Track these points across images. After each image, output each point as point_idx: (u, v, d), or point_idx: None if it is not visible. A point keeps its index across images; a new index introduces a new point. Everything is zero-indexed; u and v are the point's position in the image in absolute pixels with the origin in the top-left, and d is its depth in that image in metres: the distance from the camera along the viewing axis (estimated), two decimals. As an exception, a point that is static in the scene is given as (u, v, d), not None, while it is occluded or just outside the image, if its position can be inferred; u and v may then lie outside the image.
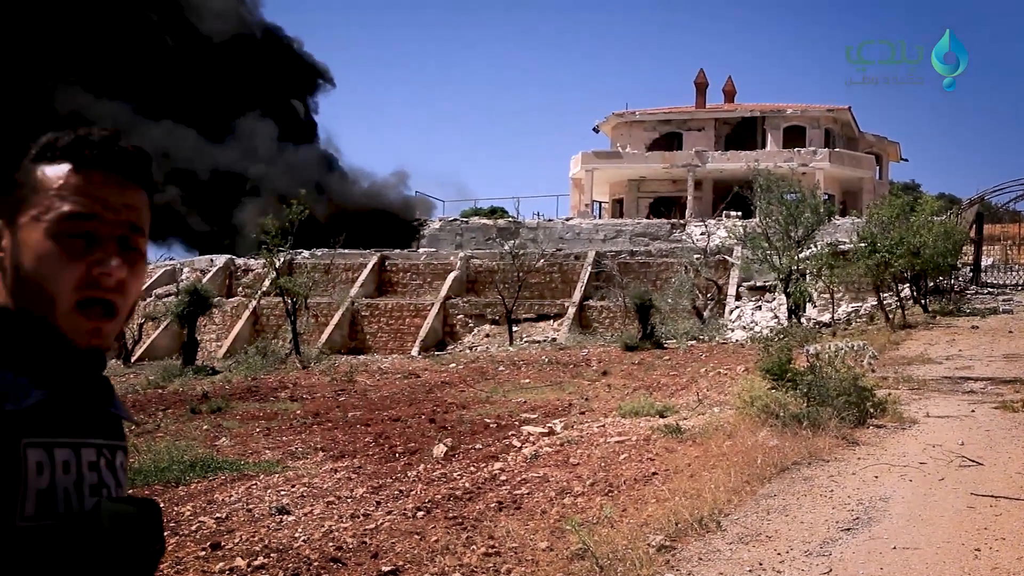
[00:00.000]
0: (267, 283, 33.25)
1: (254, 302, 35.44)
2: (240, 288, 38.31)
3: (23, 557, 1.37)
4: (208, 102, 50.76)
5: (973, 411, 13.35)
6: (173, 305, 30.61)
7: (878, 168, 57.19)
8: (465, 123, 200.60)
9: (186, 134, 48.63)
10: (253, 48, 55.53)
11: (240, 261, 39.45)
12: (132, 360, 30.59)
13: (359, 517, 8.62)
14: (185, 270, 40.07)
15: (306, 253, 36.49)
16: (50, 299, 1.47)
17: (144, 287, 30.15)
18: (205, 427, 14.83)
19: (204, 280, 35.93)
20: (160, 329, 33.89)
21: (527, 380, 19.79)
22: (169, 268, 40.74)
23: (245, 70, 53.12)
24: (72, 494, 1.46)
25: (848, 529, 7.49)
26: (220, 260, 39.81)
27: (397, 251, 40.42)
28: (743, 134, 55.89)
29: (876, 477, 9.33)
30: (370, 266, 38.00)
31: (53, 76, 43.96)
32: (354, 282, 37.06)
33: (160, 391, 20.09)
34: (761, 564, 6.60)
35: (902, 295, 28.15)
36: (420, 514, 8.61)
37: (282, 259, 29.05)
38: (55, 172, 1.50)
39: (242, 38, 55.01)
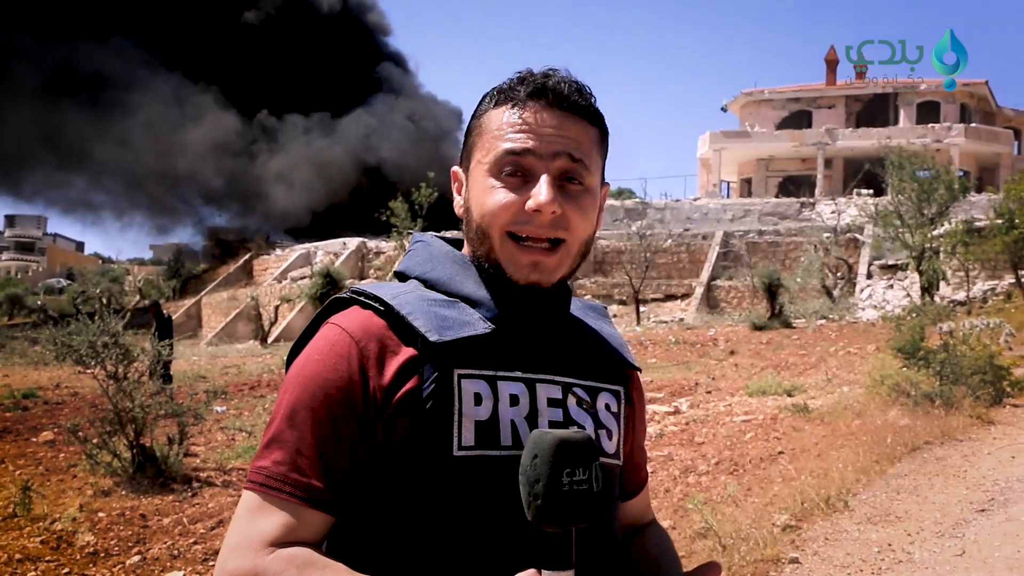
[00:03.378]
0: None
1: (385, 284, 36.01)
2: (372, 271, 38.95)
3: (460, 486, 1.39)
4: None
5: (1117, 392, 12.94)
6: (307, 287, 31.37)
7: (1016, 143, 55.19)
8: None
9: None
10: None
11: (372, 244, 40.10)
12: (268, 341, 31.39)
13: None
14: (319, 253, 40.89)
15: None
16: (487, 236, 1.50)
17: (282, 268, 30.47)
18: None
19: (337, 263, 36.64)
20: (295, 311, 34.66)
21: (654, 360, 19.75)
22: (303, 251, 41.65)
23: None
24: (522, 428, 1.45)
25: (983, 510, 7.35)
26: (352, 243, 40.52)
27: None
28: (875, 111, 54.53)
29: (1013, 457, 9.13)
30: (496, 248, 38.23)
31: None
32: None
33: (295, 371, 20.57)
34: (890, 545, 6.53)
35: (1041, 272, 27.27)
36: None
37: (412, 241, 29.43)
38: (496, 114, 1.52)
39: None
